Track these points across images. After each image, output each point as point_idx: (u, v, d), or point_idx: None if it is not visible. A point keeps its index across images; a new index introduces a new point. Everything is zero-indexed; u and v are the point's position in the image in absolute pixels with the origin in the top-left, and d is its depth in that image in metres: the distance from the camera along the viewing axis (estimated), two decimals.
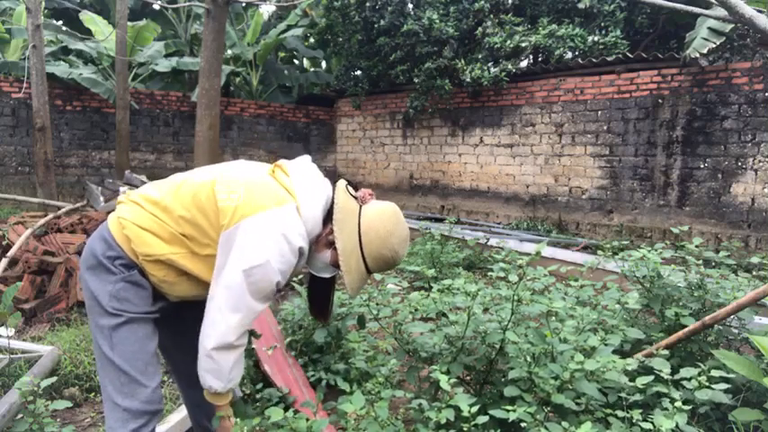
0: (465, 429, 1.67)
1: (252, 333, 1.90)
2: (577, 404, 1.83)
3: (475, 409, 1.68)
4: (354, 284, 1.64)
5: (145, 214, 1.58)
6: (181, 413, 2.33)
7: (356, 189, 1.70)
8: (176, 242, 1.57)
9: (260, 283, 1.50)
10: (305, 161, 1.73)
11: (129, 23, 9.34)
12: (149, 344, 1.60)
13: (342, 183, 1.68)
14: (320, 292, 1.84)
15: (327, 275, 1.71)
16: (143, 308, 1.59)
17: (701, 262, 2.64)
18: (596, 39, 8.58)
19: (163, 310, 1.69)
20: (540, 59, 9.87)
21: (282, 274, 1.53)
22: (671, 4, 3.78)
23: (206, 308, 1.55)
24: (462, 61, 9.13)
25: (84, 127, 9.40)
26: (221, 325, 1.51)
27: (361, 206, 1.65)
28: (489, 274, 3.05)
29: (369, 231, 1.60)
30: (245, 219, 1.49)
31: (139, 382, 1.55)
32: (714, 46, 6.60)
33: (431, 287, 2.49)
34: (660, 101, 7.41)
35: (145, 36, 9.98)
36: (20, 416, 2.29)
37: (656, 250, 2.62)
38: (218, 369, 1.55)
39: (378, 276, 2.44)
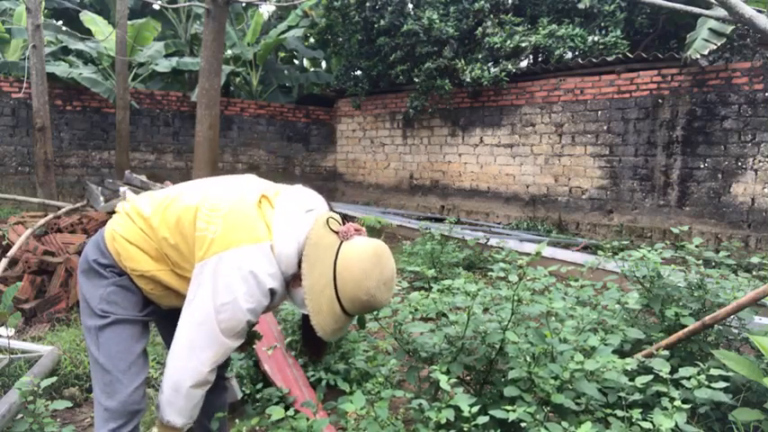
0: (465, 429, 1.67)
1: (254, 335, 1.90)
2: (577, 404, 1.83)
3: (475, 409, 1.67)
4: (327, 327, 1.53)
5: (134, 228, 1.60)
6: None
7: (344, 222, 1.59)
8: (161, 259, 1.58)
9: (230, 322, 1.48)
10: (297, 192, 1.64)
11: (129, 22, 9.34)
12: (135, 345, 1.61)
13: (323, 216, 1.55)
14: (314, 332, 1.65)
15: (307, 312, 1.57)
16: (131, 311, 1.61)
17: (700, 262, 2.64)
18: (596, 39, 8.58)
19: (157, 312, 1.72)
20: (540, 59, 9.87)
21: (252, 312, 1.50)
22: (671, 4, 3.78)
23: (173, 343, 1.53)
24: (462, 61, 9.13)
25: (84, 127, 9.40)
26: (194, 362, 1.50)
27: (342, 242, 1.53)
28: (489, 274, 3.05)
29: (343, 271, 1.49)
30: (217, 254, 1.47)
31: (121, 381, 1.56)
32: (715, 47, 6.60)
33: (431, 287, 2.49)
34: (660, 101, 7.41)
35: (145, 36, 9.98)
36: (20, 416, 2.29)
37: (656, 250, 2.61)
38: (185, 406, 1.54)
39: None
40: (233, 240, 1.47)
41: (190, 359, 1.50)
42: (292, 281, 1.56)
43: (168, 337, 1.91)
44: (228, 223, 1.50)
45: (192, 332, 1.50)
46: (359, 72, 11.36)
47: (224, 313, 1.46)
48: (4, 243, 4.40)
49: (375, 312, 2.27)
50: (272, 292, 1.51)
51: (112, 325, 1.58)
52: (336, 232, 1.54)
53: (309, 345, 1.78)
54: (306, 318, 1.69)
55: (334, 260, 1.50)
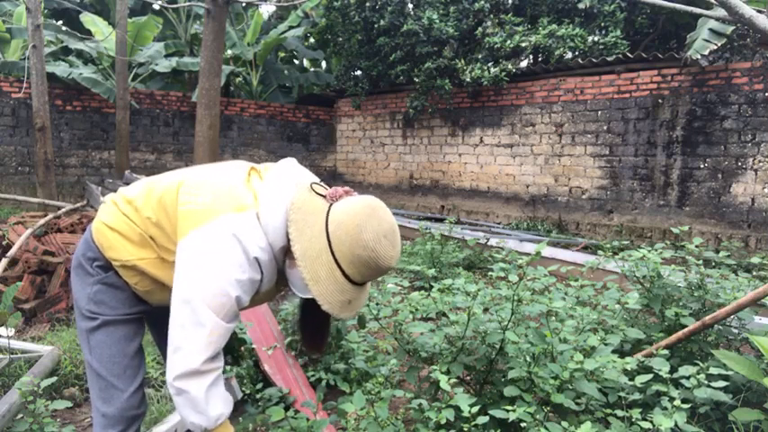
0: (465, 429, 1.67)
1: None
2: (577, 404, 1.83)
3: (475, 409, 1.67)
4: (332, 298, 1.38)
5: (118, 214, 1.52)
6: None
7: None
8: (145, 246, 1.49)
9: (218, 297, 1.35)
10: (287, 164, 1.57)
11: (129, 21, 9.34)
12: (128, 346, 1.54)
13: (306, 182, 1.48)
14: (313, 320, 1.61)
15: (311, 295, 1.41)
16: (121, 310, 1.54)
17: (701, 262, 2.64)
18: (596, 39, 8.58)
19: (148, 313, 1.64)
20: (540, 59, 9.87)
21: (241, 286, 1.37)
22: (671, 4, 3.78)
23: (168, 333, 1.39)
24: (462, 61, 9.13)
25: (84, 127, 9.40)
26: (186, 346, 1.35)
27: (331, 205, 1.42)
28: (489, 274, 3.05)
29: (336, 230, 1.36)
30: (202, 226, 1.38)
31: (116, 386, 1.50)
32: (715, 47, 6.61)
33: (431, 287, 2.49)
34: (660, 101, 7.41)
35: (145, 35, 9.98)
36: (20, 416, 2.29)
37: (656, 250, 2.61)
38: (193, 400, 1.36)
39: None
40: (216, 210, 1.39)
41: (182, 346, 1.36)
42: (288, 261, 1.45)
43: (158, 336, 1.82)
44: (213, 196, 1.42)
45: (181, 313, 1.37)
46: (359, 72, 11.36)
47: (211, 286, 1.34)
48: (4, 243, 4.40)
49: (375, 312, 2.27)
50: (259, 263, 1.39)
51: (102, 327, 1.51)
52: (323, 196, 1.44)
53: (308, 338, 1.67)
54: (303, 308, 1.62)
55: (326, 223, 1.38)
